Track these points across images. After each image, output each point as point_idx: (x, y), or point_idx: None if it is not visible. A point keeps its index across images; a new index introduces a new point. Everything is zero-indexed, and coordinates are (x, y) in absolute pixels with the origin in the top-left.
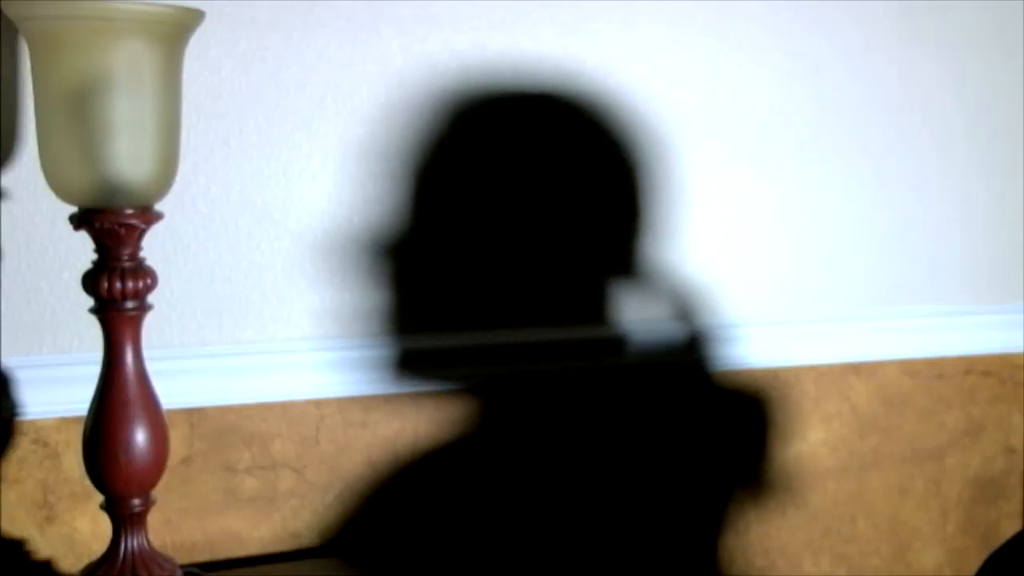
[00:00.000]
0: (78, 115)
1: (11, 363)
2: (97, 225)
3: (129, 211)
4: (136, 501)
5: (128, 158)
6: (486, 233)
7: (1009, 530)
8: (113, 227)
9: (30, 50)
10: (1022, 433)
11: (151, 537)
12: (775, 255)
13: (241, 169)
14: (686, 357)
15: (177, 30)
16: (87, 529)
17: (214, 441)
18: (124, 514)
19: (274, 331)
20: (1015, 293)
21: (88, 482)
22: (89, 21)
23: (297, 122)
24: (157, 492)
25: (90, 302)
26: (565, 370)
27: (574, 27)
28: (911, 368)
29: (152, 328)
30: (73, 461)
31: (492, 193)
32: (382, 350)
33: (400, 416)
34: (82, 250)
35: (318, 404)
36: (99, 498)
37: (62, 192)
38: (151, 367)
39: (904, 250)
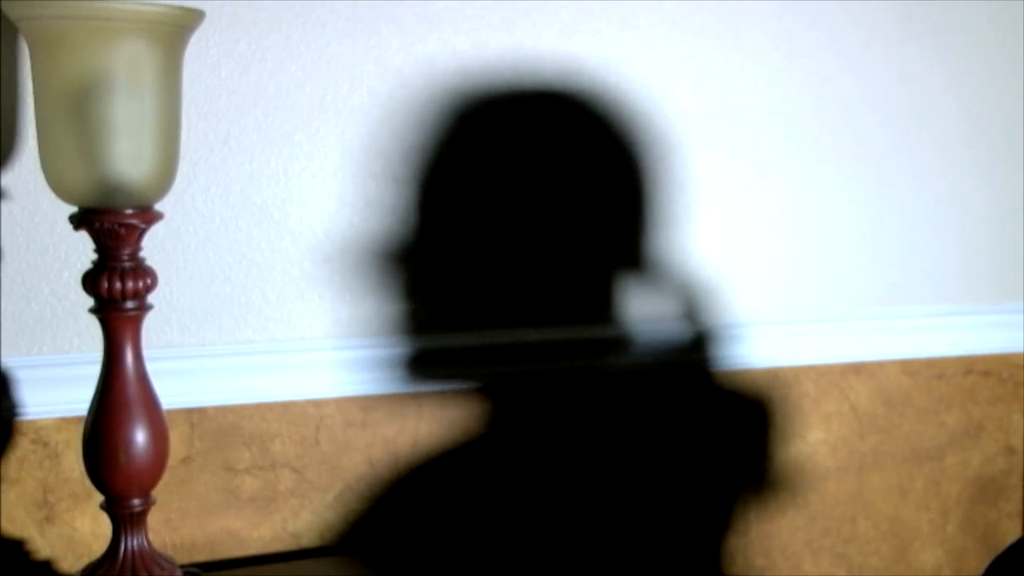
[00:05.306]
0: (78, 115)
1: (11, 363)
2: (97, 225)
3: (129, 211)
4: (136, 501)
5: (128, 158)
6: (487, 233)
7: (1009, 530)
8: (113, 227)
9: (30, 50)
10: (1022, 433)
11: (151, 537)
12: (775, 255)
13: (241, 169)
14: (687, 357)
15: (177, 30)
16: (87, 529)
17: (214, 441)
18: (124, 514)
19: (274, 331)
20: (1015, 293)
21: (88, 482)
22: (89, 21)
23: (297, 122)
24: (157, 492)
25: (90, 302)
26: (565, 370)
27: (574, 27)
28: (911, 368)
29: (152, 328)
30: (73, 461)
31: (493, 193)
32: (383, 350)
33: (400, 416)
34: (82, 250)
35: (318, 404)
36: (99, 498)
37: (62, 192)
38: (151, 367)
39: (904, 250)
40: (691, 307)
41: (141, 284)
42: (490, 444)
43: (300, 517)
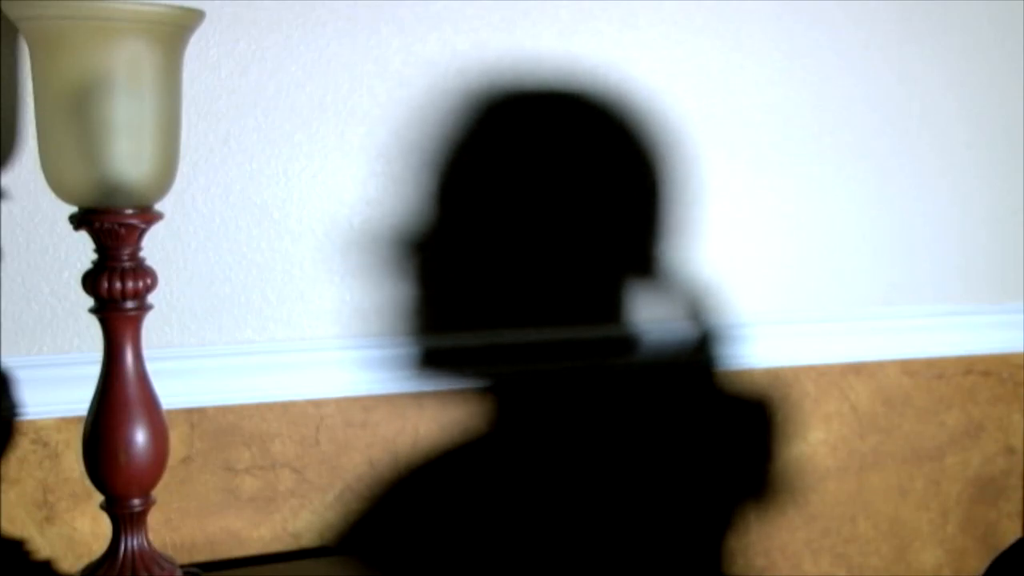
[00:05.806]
0: (78, 115)
1: (11, 363)
2: (97, 225)
3: (129, 211)
4: (136, 501)
5: (128, 158)
6: (488, 233)
7: (1009, 530)
8: (113, 227)
9: (30, 50)
10: (1022, 433)
11: (151, 537)
12: (775, 255)
13: (241, 169)
14: (688, 357)
15: (177, 30)
16: (87, 529)
17: (214, 441)
18: (124, 514)
19: (274, 331)
20: (1015, 293)
21: (88, 482)
22: (89, 21)
23: (297, 122)
24: (157, 492)
25: (90, 302)
26: (566, 370)
27: (574, 27)
28: (911, 368)
29: (152, 328)
30: (73, 461)
31: (493, 193)
32: (383, 350)
33: (401, 416)
34: (82, 250)
35: (318, 404)
36: (99, 498)
37: (62, 192)
38: (151, 367)
39: (904, 250)
40: (692, 307)
41: (141, 284)
42: (491, 444)
43: (300, 517)
